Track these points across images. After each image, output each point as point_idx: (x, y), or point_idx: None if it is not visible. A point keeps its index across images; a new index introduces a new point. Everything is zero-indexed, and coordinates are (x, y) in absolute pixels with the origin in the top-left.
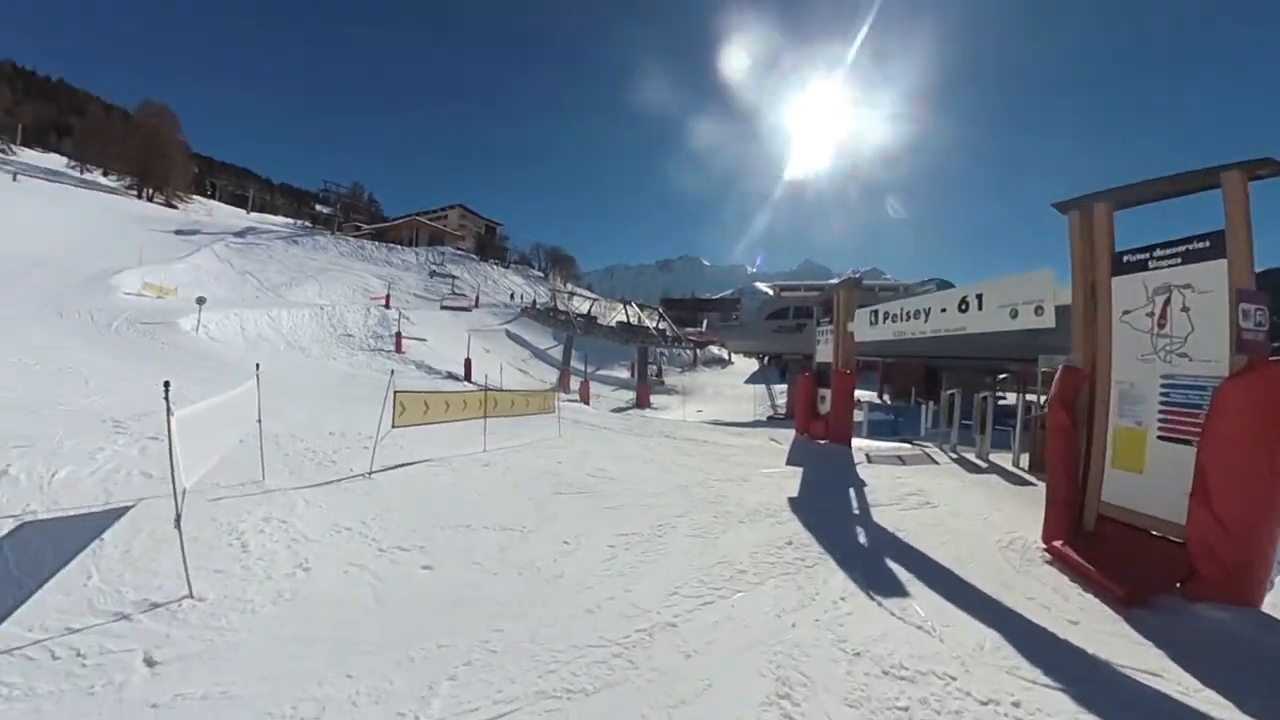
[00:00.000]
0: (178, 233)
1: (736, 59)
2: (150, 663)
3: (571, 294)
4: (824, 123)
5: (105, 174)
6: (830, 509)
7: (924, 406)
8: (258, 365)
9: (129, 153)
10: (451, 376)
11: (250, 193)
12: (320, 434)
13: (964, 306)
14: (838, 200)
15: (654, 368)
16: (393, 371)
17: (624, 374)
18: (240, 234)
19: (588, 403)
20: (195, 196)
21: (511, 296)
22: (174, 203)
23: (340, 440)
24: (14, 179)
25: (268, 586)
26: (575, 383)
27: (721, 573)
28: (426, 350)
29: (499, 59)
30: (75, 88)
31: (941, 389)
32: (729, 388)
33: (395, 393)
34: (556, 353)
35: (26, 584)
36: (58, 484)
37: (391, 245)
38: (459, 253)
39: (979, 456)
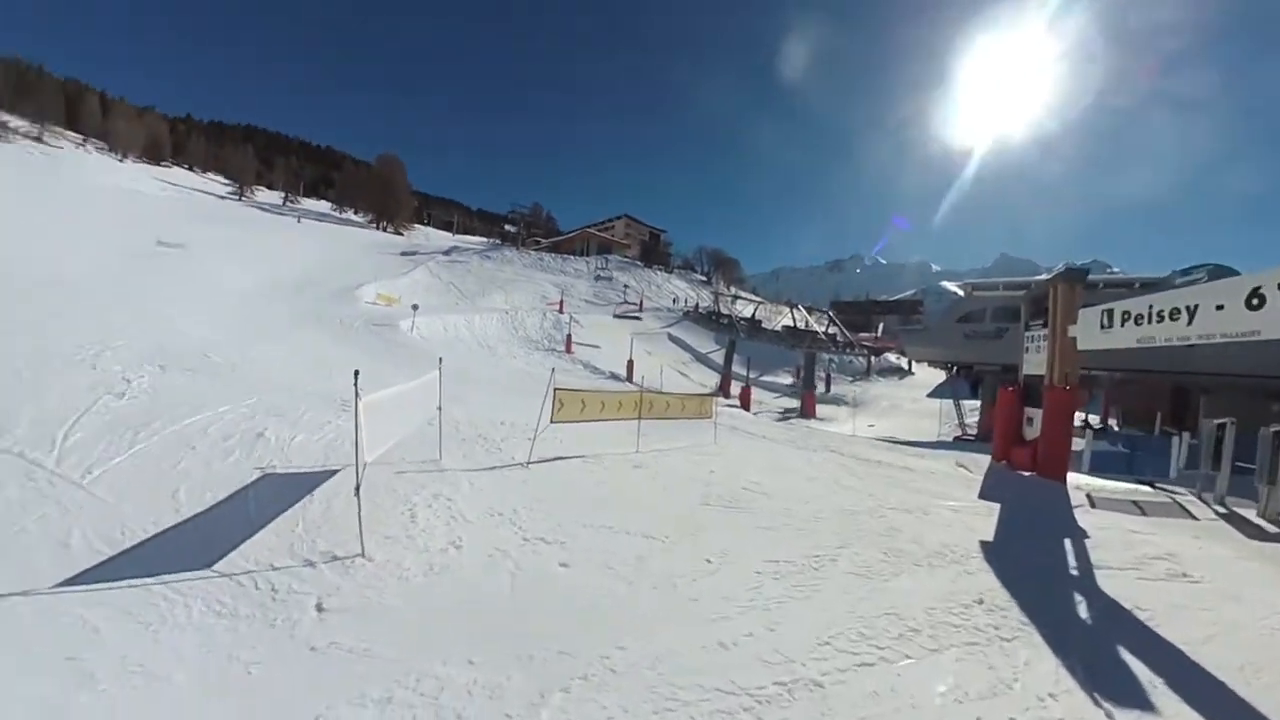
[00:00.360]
0: (403, 254)
1: (911, 25)
2: (320, 609)
3: (735, 297)
4: (1019, 89)
5: (355, 212)
6: (1037, 563)
7: (1174, 439)
8: (440, 360)
9: (370, 195)
10: (614, 377)
11: (455, 219)
12: (493, 423)
13: (1257, 301)
14: (1039, 183)
15: (822, 375)
16: (554, 370)
17: (788, 381)
18: (446, 253)
19: (748, 409)
20: (415, 225)
21: (674, 301)
22: (401, 231)
23: (509, 430)
24: (298, 221)
25: (423, 559)
26: (736, 388)
27: (887, 627)
28: (593, 351)
29: (668, 67)
30: (337, 150)
31: (1198, 416)
32: (908, 401)
33: (555, 390)
34: (718, 357)
35: (255, 523)
36: (294, 446)
37: (565, 256)
38: (625, 260)
39: (1265, 516)
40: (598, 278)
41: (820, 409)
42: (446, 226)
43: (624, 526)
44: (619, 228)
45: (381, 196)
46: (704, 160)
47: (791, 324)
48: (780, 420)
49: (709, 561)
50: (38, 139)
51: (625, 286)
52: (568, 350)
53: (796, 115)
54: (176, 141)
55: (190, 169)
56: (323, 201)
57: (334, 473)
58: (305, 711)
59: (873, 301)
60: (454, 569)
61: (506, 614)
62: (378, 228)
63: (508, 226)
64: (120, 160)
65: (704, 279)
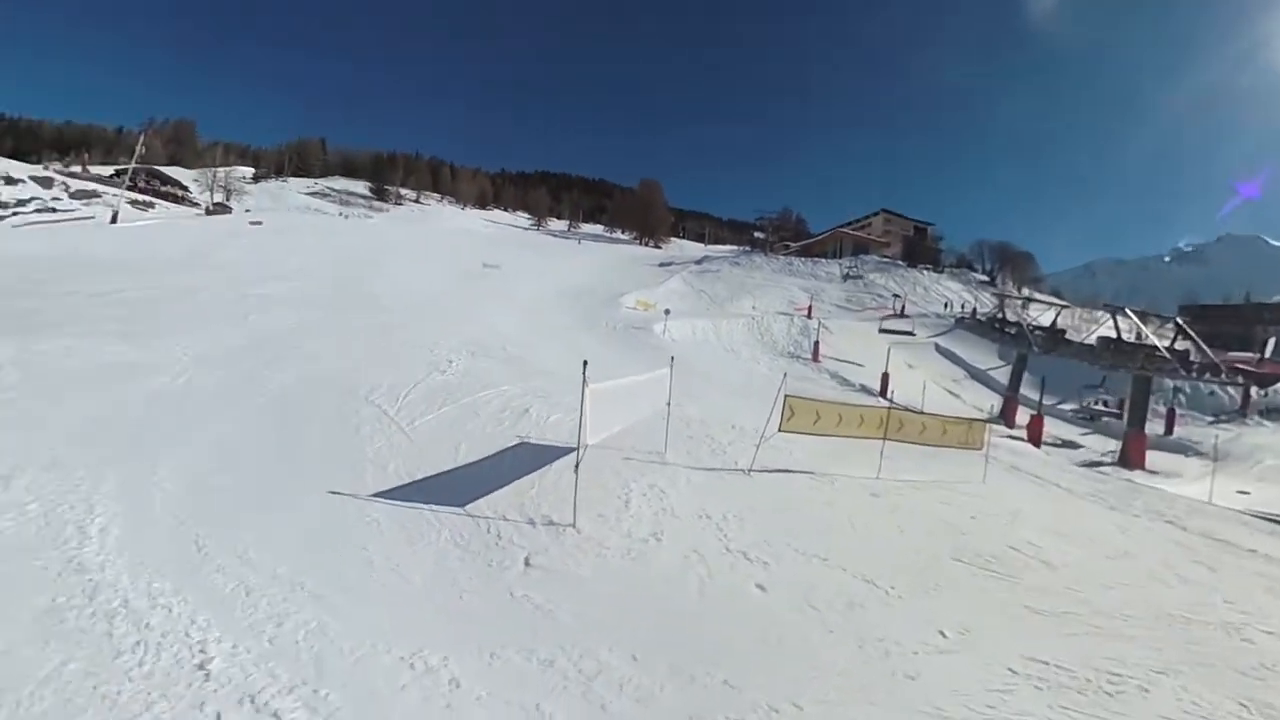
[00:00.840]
0: (660, 265)
1: None
2: (527, 563)
3: (1026, 300)
4: None
5: (622, 232)
6: None
7: None
8: (672, 359)
9: (634, 216)
10: (865, 390)
11: (706, 230)
12: (723, 424)
13: None
14: None
15: (1161, 410)
16: (785, 374)
17: (1105, 413)
18: (699, 262)
19: (1038, 445)
20: (672, 239)
21: (945, 306)
22: (659, 245)
23: (737, 434)
24: (579, 242)
25: (624, 543)
26: (1023, 416)
27: None
28: (843, 360)
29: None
30: (608, 182)
31: None
32: None
33: (786, 396)
34: (1002, 375)
35: (503, 480)
36: (550, 424)
37: (816, 259)
38: (884, 260)
39: None
40: (846, 277)
41: (1153, 458)
42: (699, 238)
43: (841, 562)
44: (876, 225)
45: (643, 216)
46: (981, 138)
47: (1115, 335)
48: (1087, 465)
49: (943, 635)
50: (416, 200)
51: (894, 294)
52: (815, 359)
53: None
54: (495, 191)
55: (504, 210)
56: (597, 225)
57: (574, 450)
58: (485, 644)
59: (1255, 306)
60: (649, 559)
61: (684, 621)
62: (640, 243)
63: (756, 233)
64: (462, 209)
65: (985, 279)
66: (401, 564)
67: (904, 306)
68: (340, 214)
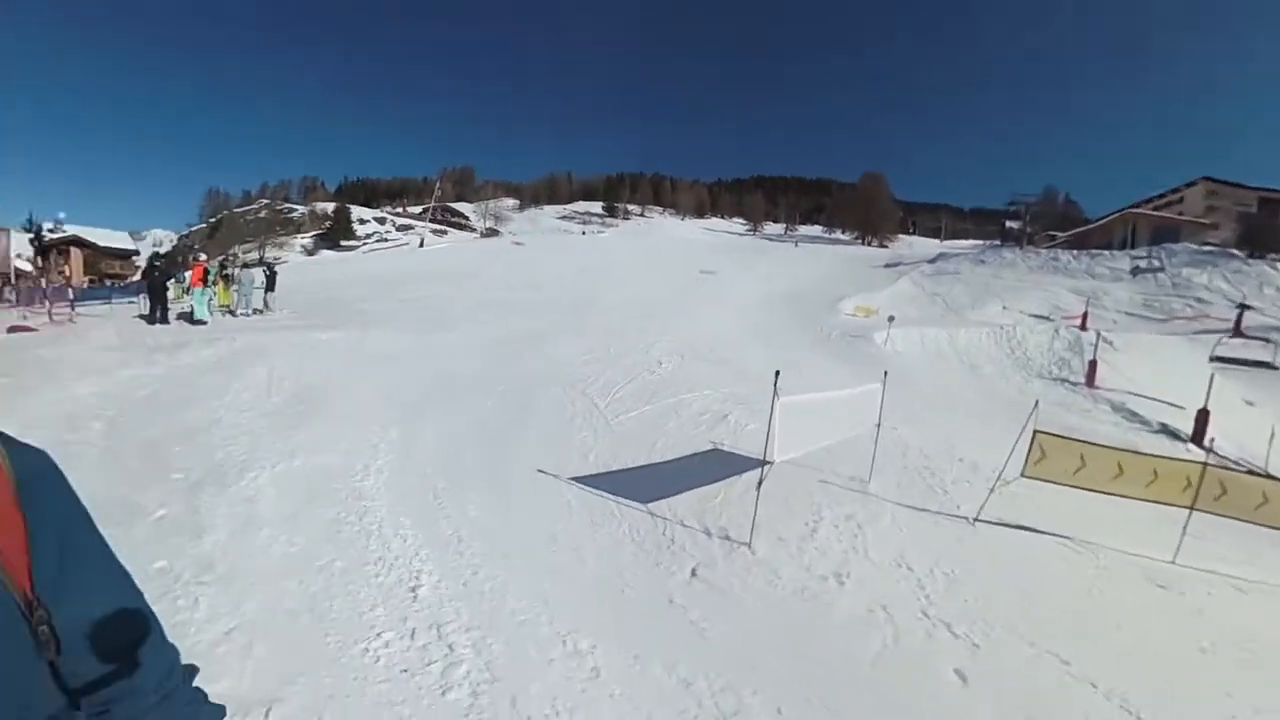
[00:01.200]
0: (885, 266)
1: None
2: (694, 573)
3: None
4: None
5: (842, 231)
6: None
7: None
8: (885, 373)
9: (855, 213)
10: (1167, 432)
11: (942, 223)
12: (948, 456)
13: None
14: None
15: None
16: (1036, 402)
17: None
18: (932, 260)
19: None
20: (899, 236)
21: None
22: (885, 243)
23: (965, 470)
24: (795, 245)
25: (800, 576)
26: None
27: None
28: (1135, 391)
29: None
30: (825, 179)
31: None
32: None
33: (1035, 432)
34: None
35: (690, 484)
36: (746, 432)
37: (1094, 252)
38: (1205, 248)
39: None
40: (1137, 271)
41: None
42: (934, 233)
43: (1092, 674)
44: (1192, 199)
45: (865, 213)
46: None
47: None
48: None
49: None
50: (641, 214)
51: (1237, 302)
52: (1089, 383)
53: None
54: (712, 199)
55: (721, 217)
56: (815, 226)
57: (767, 463)
58: (633, 644)
59: None
60: (825, 603)
61: (850, 688)
62: (863, 243)
63: (1008, 223)
64: (682, 219)
65: None
66: (580, 546)
67: (1240, 320)
68: (581, 232)
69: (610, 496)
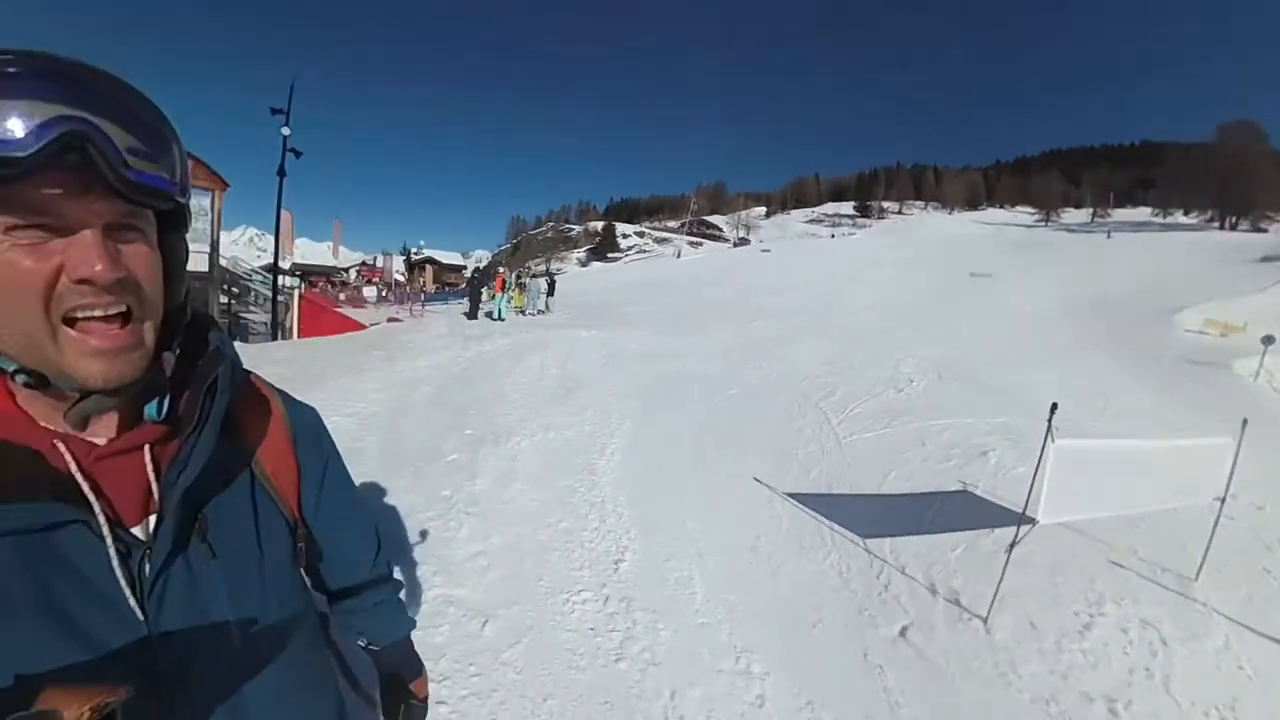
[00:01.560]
0: (1262, 260)
1: None
2: (902, 633)
3: None
4: None
5: (1185, 213)
6: None
7: None
8: (1244, 421)
9: (1206, 185)
10: None
11: None
12: None
13: None
14: None
15: None
16: None
17: None
18: None
19: None
20: None
21: None
22: (1262, 225)
23: None
24: (1107, 236)
25: (1049, 686)
26: None
27: None
28: None
29: None
30: (1153, 143)
31: None
32: None
33: None
34: None
35: (922, 527)
36: (1010, 476)
37: None
38: None
39: None
40: None
41: None
42: None
43: None
44: None
45: (1226, 182)
46: None
47: None
48: None
49: None
50: (898, 211)
51: None
52: None
53: None
54: (988, 186)
55: (1000, 207)
56: (1140, 209)
57: (1030, 522)
58: (809, 687)
59: None
60: None
61: None
62: (1221, 226)
63: None
64: (949, 213)
65: None
66: (781, 565)
67: None
68: (830, 235)
69: (825, 520)
